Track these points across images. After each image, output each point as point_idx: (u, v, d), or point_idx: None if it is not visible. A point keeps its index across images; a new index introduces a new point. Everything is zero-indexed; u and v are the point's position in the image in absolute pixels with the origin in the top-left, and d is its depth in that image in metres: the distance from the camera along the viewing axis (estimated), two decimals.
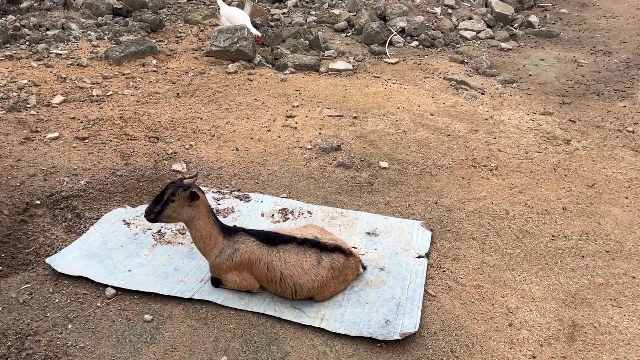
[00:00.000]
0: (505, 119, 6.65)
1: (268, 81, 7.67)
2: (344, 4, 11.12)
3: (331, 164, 5.56)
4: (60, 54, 8.15)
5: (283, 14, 10.62)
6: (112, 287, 3.83)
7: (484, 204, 4.91)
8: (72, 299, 3.75)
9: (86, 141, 5.78)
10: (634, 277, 4.08)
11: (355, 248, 4.30)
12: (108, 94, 6.98)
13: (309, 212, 4.75)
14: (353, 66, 8.22)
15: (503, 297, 3.84)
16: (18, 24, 8.82)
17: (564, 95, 7.39)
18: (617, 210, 4.90)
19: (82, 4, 9.81)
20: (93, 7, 9.69)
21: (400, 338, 3.43)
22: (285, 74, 7.99)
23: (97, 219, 4.59)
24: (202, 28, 9.71)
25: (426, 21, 9.69)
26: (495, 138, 6.14)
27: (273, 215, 4.71)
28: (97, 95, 6.89)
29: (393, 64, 8.47)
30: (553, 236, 4.49)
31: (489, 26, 9.97)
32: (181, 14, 10.36)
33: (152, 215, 3.62)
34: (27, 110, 6.39)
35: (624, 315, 3.73)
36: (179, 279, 3.92)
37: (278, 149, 5.82)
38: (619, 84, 7.91)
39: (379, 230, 4.53)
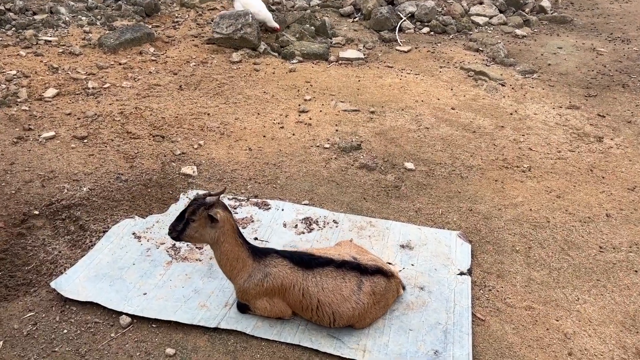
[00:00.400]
0: (530, 114, 6.28)
1: (276, 71, 7.21)
2: None
3: (353, 165, 5.16)
4: (50, 41, 7.61)
5: None
6: (127, 314, 3.42)
7: (522, 211, 4.55)
8: (83, 329, 3.35)
9: (85, 141, 5.31)
10: None
11: (390, 264, 3.94)
12: (105, 86, 6.48)
13: (334, 222, 4.37)
14: (364, 55, 7.78)
15: (557, 320, 3.51)
16: (2, 8, 8.22)
17: (588, 87, 7.04)
18: None
19: None
20: None
21: None
22: (293, 63, 7.53)
23: (104, 231, 4.16)
24: (200, 12, 9.17)
25: (436, 6, 9.24)
26: (523, 135, 5.78)
27: (296, 225, 4.32)
28: (93, 88, 6.40)
29: (405, 52, 8.04)
30: (601, 247, 4.16)
31: (500, 11, 9.54)
32: None
33: (175, 234, 3.23)
34: (17, 105, 5.90)
35: None
36: (201, 304, 3.53)
37: (294, 149, 5.40)
38: None
39: (413, 243, 4.16)
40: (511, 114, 6.27)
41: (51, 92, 6.23)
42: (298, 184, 4.85)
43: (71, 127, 5.54)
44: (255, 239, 4.14)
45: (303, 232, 4.25)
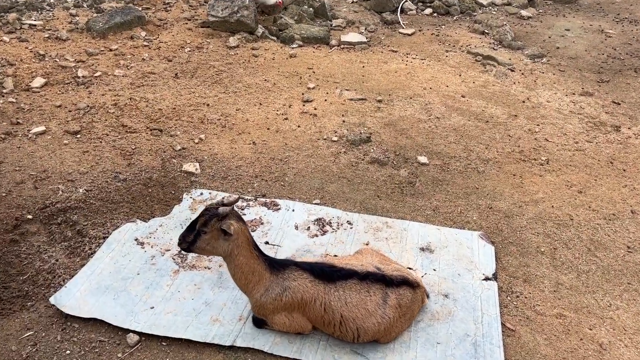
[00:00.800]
0: (543, 101, 6.05)
1: (275, 57, 6.89)
2: None
3: (363, 159, 4.91)
4: (35, 25, 7.19)
5: None
6: (134, 332, 3.18)
7: (544, 208, 4.35)
8: (87, 349, 3.10)
9: (79, 136, 4.99)
10: None
11: (411, 269, 3.72)
12: (96, 74, 6.13)
13: (349, 223, 4.13)
14: (367, 38, 7.46)
15: (591, 329, 3.33)
16: None
17: (600, 71, 6.80)
18: None
19: None
20: None
21: None
22: (293, 48, 7.20)
23: (104, 237, 3.89)
24: None
25: None
26: (538, 125, 5.55)
27: (309, 227, 4.07)
28: (83, 77, 6.05)
29: (409, 35, 7.73)
30: (629, 248, 3.98)
31: None
32: None
33: (185, 245, 2.98)
34: (3, 96, 5.54)
35: None
36: (213, 318, 3.29)
37: (300, 142, 5.13)
38: None
39: (433, 245, 3.94)
40: (523, 101, 6.03)
41: (39, 81, 5.88)
42: (307, 181, 4.60)
43: (62, 120, 5.21)
44: (267, 243, 3.90)
45: (316, 235, 4.00)
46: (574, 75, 6.71)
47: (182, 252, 3.78)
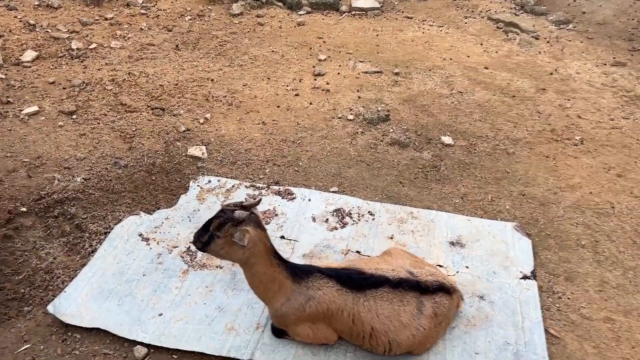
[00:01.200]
0: (572, 73, 5.62)
1: (282, 25, 6.42)
2: None
3: (382, 140, 4.54)
4: None
5: None
6: (141, 344, 2.88)
7: (582, 195, 4.00)
8: None
9: (74, 117, 4.61)
10: None
11: (441, 266, 3.41)
12: (91, 46, 5.69)
13: (370, 214, 3.79)
14: (379, 3, 6.96)
15: None
16: None
17: (631, 39, 6.34)
18: None
19: None
20: None
21: None
22: (301, 14, 6.72)
23: (105, 233, 3.56)
24: None
25: None
26: (569, 100, 5.15)
27: (327, 219, 3.74)
28: (77, 49, 5.61)
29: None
30: None
31: None
32: None
33: (199, 245, 2.66)
34: None
35: None
36: (228, 326, 2.99)
37: (313, 121, 4.74)
38: None
39: (464, 239, 3.62)
40: (551, 73, 5.60)
41: (30, 54, 5.45)
42: (323, 165, 4.24)
43: (56, 99, 4.81)
44: (282, 237, 3.57)
45: (336, 228, 3.67)
46: (604, 44, 6.25)
47: (193, 250, 3.46)
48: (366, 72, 5.50)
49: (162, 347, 2.88)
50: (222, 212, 2.59)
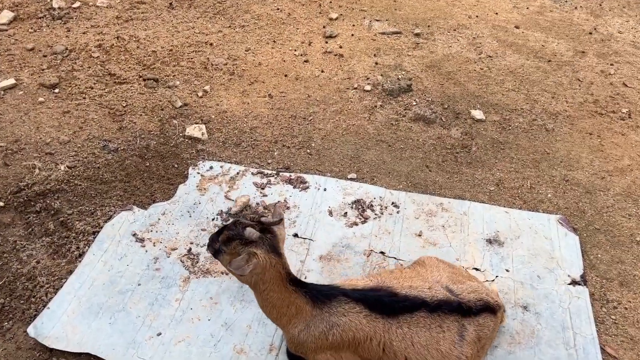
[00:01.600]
0: (614, 32, 5.02)
1: None
2: None
3: (404, 116, 4.03)
4: None
5: None
6: None
7: (633, 180, 3.53)
8: None
9: (57, 90, 4.09)
10: None
11: (478, 270, 2.98)
12: (74, 5, 5.09)
13: (394, 205, 3.34)
14: None
15: None
16: None
17: None
18: None
19: None
20: None
21: None
22: None
23: (94, 232, 3.13)
24: None
25: None
26: (612, 65, 4.59)
27: (346, 213, 3.29)
28: (59, 9, 5.01)
29: None
30: None
31: None
32: None
33: (212, 251, 2.25)
34: None
35: None
36: (237, 348, 2.60)
37: (325, 93, 4.22)
38: None
39: (502, 235, 3.18)
40: (590, 33, 5.00)
41: (6, 15, 4.86)
42: (338, 147, 3.75)
43: (36, 69, 4.28)
44: (296, 235, 3.14)
45: (355, 223, 3.23)
46: None
47: (194, 252, 3.03)
48: (383, 33, 4.91)
49: None
50: (234, 225, 2.15)
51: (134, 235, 3.11)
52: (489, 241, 3.15)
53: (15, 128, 3.73)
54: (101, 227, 3.14)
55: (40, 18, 4.91)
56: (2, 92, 4.02)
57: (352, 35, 4.88)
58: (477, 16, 5.20)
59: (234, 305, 2.79)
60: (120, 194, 3.37)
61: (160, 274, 2.92)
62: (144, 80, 4.25)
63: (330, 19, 5.09)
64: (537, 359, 2.61)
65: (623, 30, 5.05)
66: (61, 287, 2.84)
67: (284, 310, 2.30)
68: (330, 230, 3.19)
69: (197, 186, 3.43)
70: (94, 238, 3.09)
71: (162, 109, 3.99)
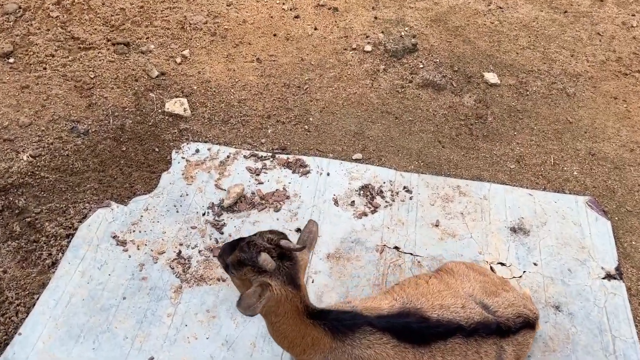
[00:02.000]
0: None
1: None
2: None
3: (411, 81, 3.60)
4: None
5: None
6: None
7: None
8: None
9: (11, 60, 3.55)
10: None
11: (503, 265, 2.69)
12: None
13: (406, 190, 2.99)
14: None
15: None
16: None
17: None
18: None
19: None
20: None
21: None
22: None
23: (68, 236, 2.73)
24: None
25: None
26: (633, 15, 4.16)
27: (353, 202, 2.93)
28: None
29: None
30: None
31: None
32: None
33: (222, 264, 1.91)
34: None
35: None
36: None
37: (321, 56, 3.75)
38: None
39: (527, 222, 2.87)
40: None
41: None
42: (339, 120, 3.34)
43: None
44: (298, 230, 2.78)
45: (365, 214, 2.88)
46: None
47: (185, 256, 2.66)
48: None
49: None
50: (247, 247, 1.77)
51: (114, 237, 2.72)
52: (513, 230, 2.83)
53: None
54: (75, 229, 2.74)
55: None
56: None
57: None
58: None
59: (234, 318, 2.46)
60: (94, 187, 2.94)
61: (148, 284, 2.56)
62: (113, 45, 3.71)
63: None
64: None
65: None
66: (33, 305, 2.47)
67: (298, 341, 1.98)
68: (337, 222, 2.83)
69: (182, 174, 3.02)
70: (68, 243, 2.69)
71: (136, 80, 3.49)
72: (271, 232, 1.82)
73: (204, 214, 2.83)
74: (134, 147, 3.14)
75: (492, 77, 3.59)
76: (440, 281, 2.27)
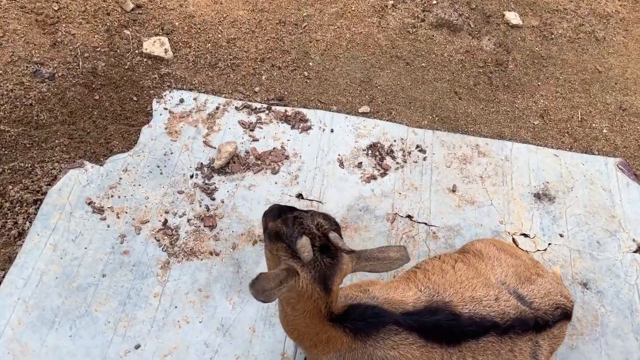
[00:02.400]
0: None
1: None
2: None
3: (423, 20, 3.19)
4: None
5: None
6: None
7: None
8: None
9: None
10: None
11: (527, 236, 2.44)
12: None
13: (419, 150, 2.67)
14: None
15: None
16: None
17: None
18: None
19: None
20: None
21: None
22: None
23: (36, 201, 2.38)
24: None
25: None
26: None
27: (360, 163, 2.61)
28: None
29: None
30: None
31: None
32: None
33: (263, 223, 1.67)
34: None
35: None
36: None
37: None
38: None
39: (552, 187, 2.60)
40: None
41: None
42: (343, 66, 2.95)
43: None
44: (300, 196, 2.47)
45: (373, 177, 2.57)
46: None
47: (172, 225, 2.34)
48: None
49: None
50: (293, 222, 1.47)
51: (90, 203, 2.38)
52: (538, 196, 2.56)
53: None
54: (44, 194, 2.39)
55: None
56: None
57: None
58: None
59: (230, 297, 2.19)
60: (64, 143, 2.56)
61: (131, 259, 2.25)
62: None
63: None
64: (604, 354, 2.16)
65: None
66: None
67: (311, 336, 1.72)
68: (342, 187, 2.52)
69: (165, 128, 2.64)
70: (36, 210, 2.35)
71: (108, 14, 3.01)
72: (325, 217, 1.50)
73: (191, 177, 2.49)
74: (109, 96, 2.72)
75: (513, 17, 3.19)
76: (468, 266, 1.99)
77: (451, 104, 2.85)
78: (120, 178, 2.46)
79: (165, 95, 2.74)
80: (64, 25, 2.94)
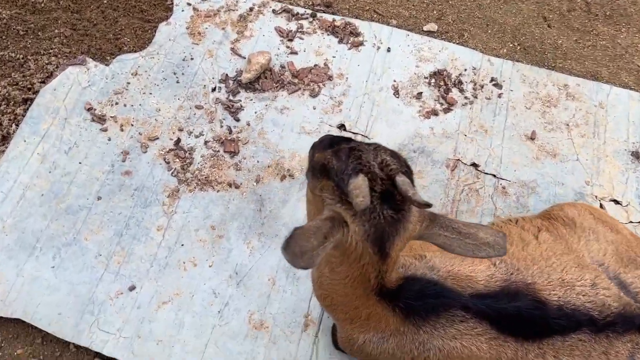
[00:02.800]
0: None
1: None
2: None
3: None
4: None
5: None
6: (98, 355, 1.61)
7: None
8: None
9: None
10: None
11: (617, 203, 1.97)
12: None
13: (494, 83, 2.17)
14: None
15: None
16: None
17: None
18: None
19: None
20: None
21: None
22: None
23: (25, 100, 1.98)
24: None
25: None
26: None
27: (420, 93, 2.12)
28: None
29: None
30: None
31: None
32: None
33: (309, 156, 1.27)
34: None
35: None
36: (253, 319, 1.69)
37: None
38: None
39: None
40: None
41: None
42: None
43: None
44: (342, 127, 2.02)
45: (435, 113, 2.08)
46: None
47: (187, 145, 1.92)
48: None
49: None
50: (347, 154, 1.05)
51: (89, 109, 1.96)
52: (636, 155, 2.06)
53: None
54: (36, 92, 1.97)
55: None
56: None
57: None
58: None
59: (248, 241, 1.79)
60: (65, 34, 2.11)
61: (133, 182, 1.85)
62: None
63: None
64: None
65: None
66: None
67: (348, 309, 1.33)
68: (395, 121, 2.05)
69: (187, 28, 2.17)
70: (25, 111, 1.94)
71: None
72: (393, 154, 1.07)
73: (213, 90, 2.04)
74: None
75: None
76: (555, 238, 1.55)
77: (538, 32, 2.30)
78: (128, 83, 2.02)
79: None
80: None
